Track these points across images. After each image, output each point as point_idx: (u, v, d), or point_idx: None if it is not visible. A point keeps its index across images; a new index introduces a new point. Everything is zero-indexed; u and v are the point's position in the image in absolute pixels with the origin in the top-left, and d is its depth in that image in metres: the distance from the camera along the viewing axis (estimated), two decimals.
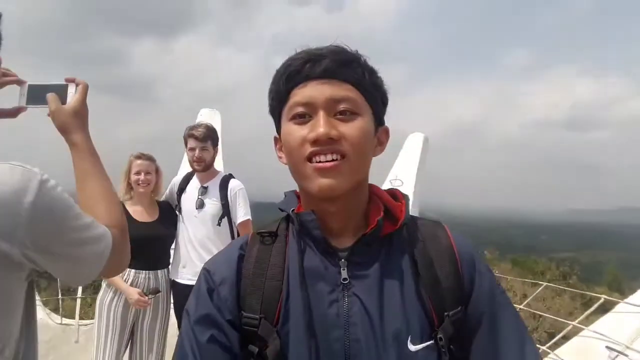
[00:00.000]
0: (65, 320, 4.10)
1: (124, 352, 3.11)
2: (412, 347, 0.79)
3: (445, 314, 0.81)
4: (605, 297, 2.51)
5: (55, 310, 4.84)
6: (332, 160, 0.79)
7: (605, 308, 2.75)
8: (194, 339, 0.82)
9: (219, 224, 3.06)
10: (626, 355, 2.04)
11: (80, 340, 3.90)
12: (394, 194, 0.92)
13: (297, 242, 0.87)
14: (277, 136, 0.91)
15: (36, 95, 1.10)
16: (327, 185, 0.79)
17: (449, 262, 0.85)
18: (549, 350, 2.43)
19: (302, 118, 0.82)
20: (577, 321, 2.46)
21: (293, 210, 0.88)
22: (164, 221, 3.16)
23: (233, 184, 3.13)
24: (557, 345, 2.51)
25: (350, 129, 0.80)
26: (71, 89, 1.12)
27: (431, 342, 0.80)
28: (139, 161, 3.09)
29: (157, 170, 3.19)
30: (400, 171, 4.80)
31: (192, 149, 3.03)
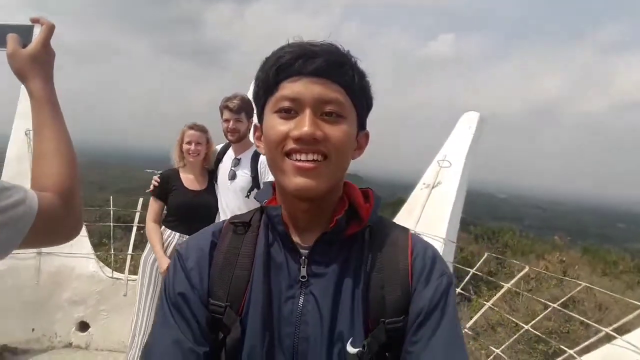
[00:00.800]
0: (116, 274, 4.37)
1: None
2: (351, 350, 0.80)
3: (382, 320, 0.81)
4: (609, 330, 2.28)
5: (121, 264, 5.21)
6: (313, 160, 0.80)
7: None
8: (176, 313, 0.84)
9: (247, 196, 3.13)
10: None
11: (128, 294, 4.16)
12: (367, 193, 0.93)
13: (264, 234, 0.88)
14: (258, 125, 0.92)
15: None
16: (304, 185, 0.80)
17: (400, 271, 0.85)
18: (575, 355, 2.29)
19: (287, 113, 0.81)
20: (610, 328, 2.28)
21: (265, 202, 0.90)
22: (211, 190, 3.30)
23: (264, 157, 3.16)
24: (588, 349, 2.36)
25: (334, 131, 0.81)
26: (36, 30, 1.02)
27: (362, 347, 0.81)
28: (190, 131, 3.25)
29: (208, 141, 3.34)
30: (449, 152, 4.62)
31: (227, 120, 3.09)
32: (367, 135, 0.92)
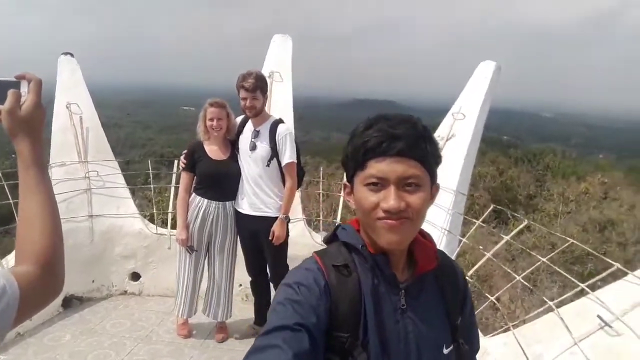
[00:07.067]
0: (160, 230, 4.87)
1: (203, 263, 3.83)
2: (445, 351, 1.11)
3: (456, 323, 1.15)
4: (619, 266, 2.46)
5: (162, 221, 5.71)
6: (398, 218, 0.99)
7: None
8: (294, 343, 0.92)
9: (268, 165, 3.46)
10: (611, 327, 2.10)
11: (172, 247, 4.65)
12: (422, 232, 1.13)
13: (370, 275, 1.08)
14: (348, 184, 1.10)
15: None
16: (393, 241, 1.01)
17: (459, 288, 1.19)
18: (554, 307, 2.54)
19: (375, 186, 1.00)
20: (585, 284, 2.48)
21: (364, 246, 1.08)
22: (234, 158, 3.66)
23: (281, 128, 3.48)
24: (562, 303, 2.59)
25: (415, 199, 0.99)
26: (23, 88, 0.96)
27: (453, 345, 1.13)
28: (211, 109, 3.60)
29: (228, 115, 3.68)
30: (464, 104, 4.68)
31: (244, 99, 3.39)
32: (437, 187, 1.09)
